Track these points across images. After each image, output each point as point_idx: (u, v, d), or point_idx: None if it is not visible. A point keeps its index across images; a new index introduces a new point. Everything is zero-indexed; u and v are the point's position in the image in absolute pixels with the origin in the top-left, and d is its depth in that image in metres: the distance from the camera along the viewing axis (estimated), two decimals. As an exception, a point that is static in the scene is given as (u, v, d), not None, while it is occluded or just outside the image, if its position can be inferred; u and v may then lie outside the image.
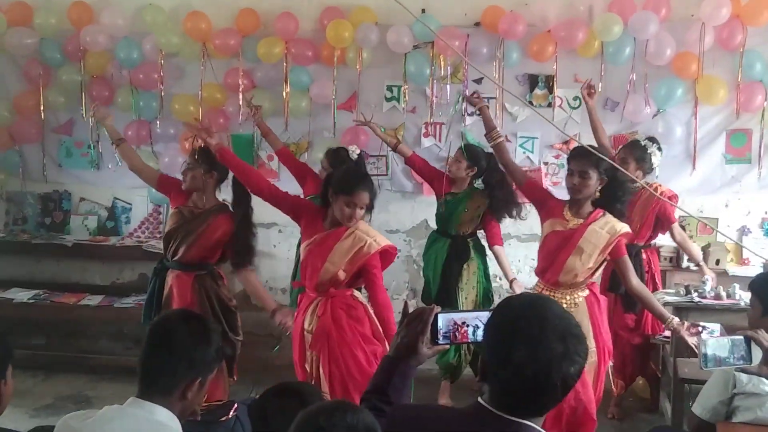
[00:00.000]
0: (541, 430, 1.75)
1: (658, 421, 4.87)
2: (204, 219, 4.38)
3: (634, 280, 4.00)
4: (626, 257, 4.01)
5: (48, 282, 6.34)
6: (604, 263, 4.05)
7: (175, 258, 4.40)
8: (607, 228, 3.91)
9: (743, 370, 2.65)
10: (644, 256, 5.12)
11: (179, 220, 4.41)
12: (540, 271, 4.11)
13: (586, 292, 4.06)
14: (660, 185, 5.14)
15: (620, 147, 5.15)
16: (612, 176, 3.93)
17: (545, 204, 4.14)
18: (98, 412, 2.19)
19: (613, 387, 5.25)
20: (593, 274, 4.03)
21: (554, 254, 3.99)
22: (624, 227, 3.95)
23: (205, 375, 2.25)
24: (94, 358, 5.85)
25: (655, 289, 5.12)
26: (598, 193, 3.95)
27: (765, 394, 3.07)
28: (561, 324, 1.72)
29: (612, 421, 5.11)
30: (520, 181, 4.36)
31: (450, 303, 5.05)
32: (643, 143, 4.95)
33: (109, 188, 6.46)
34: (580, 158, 3.95)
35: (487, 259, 5.33)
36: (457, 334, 2.03)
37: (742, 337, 2.65)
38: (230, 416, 2.90)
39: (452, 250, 5.22)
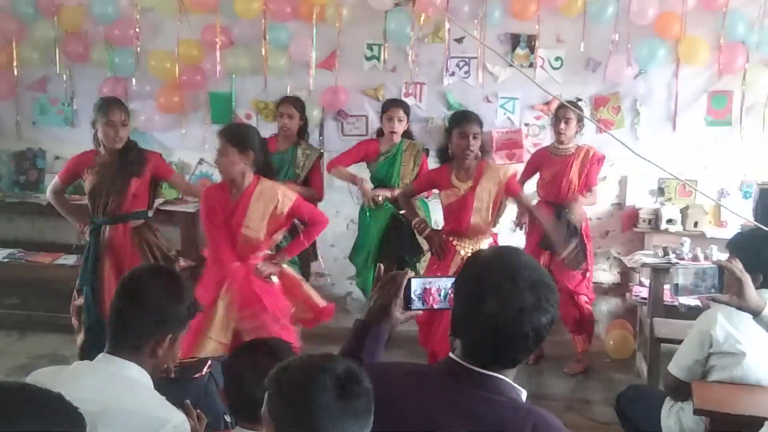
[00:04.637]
0: (512, 382, 1.74)
1: (634, 381, 4.91)
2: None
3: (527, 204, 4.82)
4: (520, 195, 4.68)
5: (22, 241, 6.28)
6: (504, 207, 4.61)
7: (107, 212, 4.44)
8: (493, 180, 4.43)
9: (714, 299, 2.65)
10: None
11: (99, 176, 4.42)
12: (450, 231, 4.58)
13: (490, 239, 4.60)
14: (592, 147, 5.24)
15: (558, 107, 5.27)
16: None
17: (436, 184, 4.69)
18: (68, 368, 2.17)
19: (575, 345, 5.33)
20: (495, 219, 4.57)
21: (457, 216, 4.48)
22: (508, 172, 4.53)
23: (177, 332, 2.21)
24: (69, 318, 5.80)
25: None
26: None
27: (740, 353, 3.09)
28: (533, 274, 1.70)
29: (587, 380, 5.16)
30: (411, 194, 4.88)
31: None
32: (578, 103, 5.22)
33: (85, 146, 6.29)
34: (471, 122, 4.43)
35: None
36: (430, 299, 2.01)
37: (714, 266, 2.64)
38: (204, 373, 2.89)
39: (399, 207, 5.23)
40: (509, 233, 5.67)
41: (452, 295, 1.91)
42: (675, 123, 5.67)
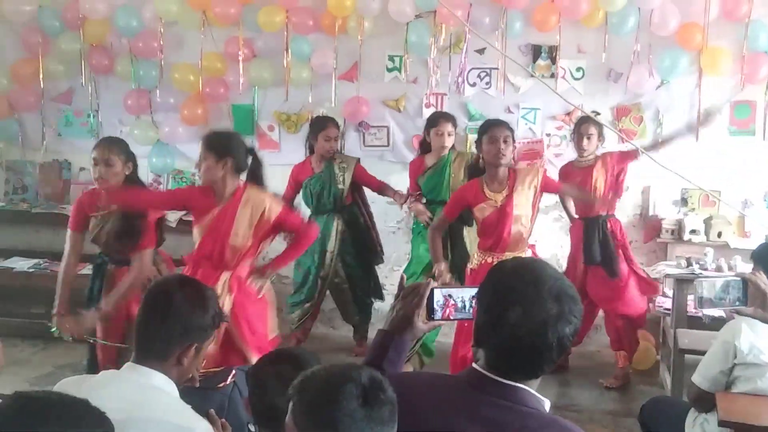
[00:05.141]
0: (535, 392, 1.74)
1: (657, 392, 4.87)
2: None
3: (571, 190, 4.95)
4: (562, 187, 4.85)
5: (48, 251, 6.33)
6: (538, 212, 4.48)
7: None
8: (528, 182, 4.32)
9: (738, 312, 2.63)
10: (608, 225, 5.12)
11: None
12: (488, 248, 4.38)
13: (529, 251, 4.45)
14: (608, 151, 5.19)
15: (579, 123, 5.19)
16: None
17: (468, 201, 4.42)
18: (94, 377, 2.19)
19: (617, 360, 5.27)
20: (533, 224, 4.43)
21: (496, 228, 4.30)
22: (539, 171, 4.44)
23: (201, 341, 2.23)
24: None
25: (627, 257, 5.17)
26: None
27: (765, 364, 3.06)
28: (556, 284, 1.70)
29: (610, 391, 5.12)
30: (443, 223, 4.64)
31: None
32: (595, 117, 5.17)
33: (109, 158, 6.41)
34: (499, 126, 4.30)
35: None
36: (452, 309, 2.01)
37: (738, 279, 2.62)
38: (228, 383, 2.91)
39: None
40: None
41: (475, 305, 1.91)
42: (698, 133, 5.64)
